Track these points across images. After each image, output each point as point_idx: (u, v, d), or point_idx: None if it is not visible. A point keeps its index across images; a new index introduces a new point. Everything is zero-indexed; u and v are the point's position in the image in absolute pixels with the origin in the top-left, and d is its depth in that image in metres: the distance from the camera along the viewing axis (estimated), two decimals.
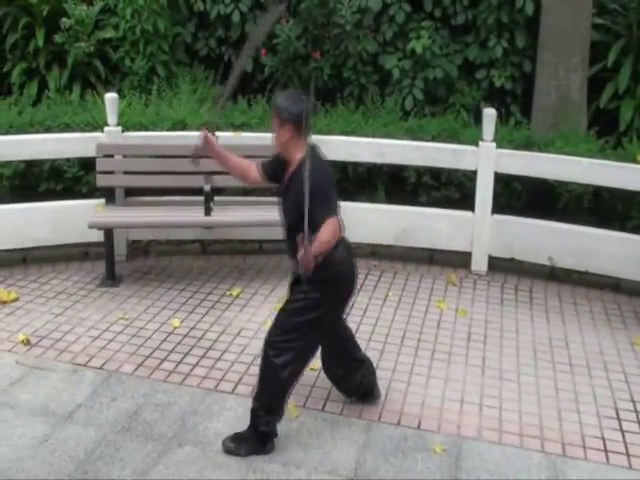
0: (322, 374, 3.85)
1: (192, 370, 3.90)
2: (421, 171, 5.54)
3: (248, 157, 5.09)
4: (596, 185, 5.11)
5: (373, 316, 4.60)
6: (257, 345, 4.16)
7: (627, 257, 4.88)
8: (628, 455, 3.34)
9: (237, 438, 3.31)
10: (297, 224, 2.94)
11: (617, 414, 3.66)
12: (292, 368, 3.22)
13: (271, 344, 3.23)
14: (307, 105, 3.11)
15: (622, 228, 5.07)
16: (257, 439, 3.29)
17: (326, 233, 3.00)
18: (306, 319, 3.16)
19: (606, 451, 3.36)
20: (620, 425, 3.57)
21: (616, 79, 6.19)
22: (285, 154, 3.22)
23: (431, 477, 3.15)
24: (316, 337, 3.29)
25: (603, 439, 3.45)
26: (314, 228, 2.92)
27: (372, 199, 5.61)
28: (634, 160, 5.02)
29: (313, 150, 3.10)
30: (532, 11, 6.17)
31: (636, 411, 3.69)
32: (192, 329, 4.35)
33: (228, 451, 3.28)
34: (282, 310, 3.29)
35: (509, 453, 3.31)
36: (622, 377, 4.01)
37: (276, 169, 3.31)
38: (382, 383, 3.79)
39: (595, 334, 4.47)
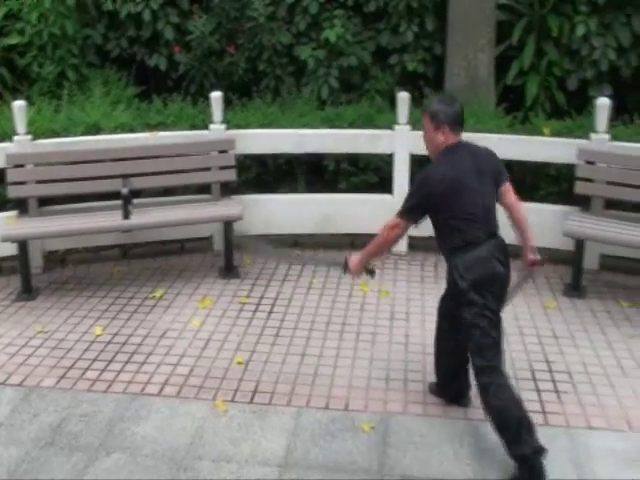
0: (250, 367, 3.89)
1: (117, 376, 3.86)
2: (340, 158, 5.61)
3: (165, 157, 5.16)
4: (506, 159, 5.27)
5: (298, 305, 4.65)
6: (182, 345, 4.18)
7: (537, 225, 4.99)
8: (544, 413, 3.51)
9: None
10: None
11: (533, 375, 3.83)
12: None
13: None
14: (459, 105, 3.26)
15: (532, 198, 5.26)
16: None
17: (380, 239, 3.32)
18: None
19: None
20: (536, 385, 3.73)
21: (521, 57, 6.41)
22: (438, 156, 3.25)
23: (360, 456, 3.22)
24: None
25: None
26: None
27: (293, 190, 5.65)
28: (541, 133, 5.22)
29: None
30: None
31: (550, 371, 3.87)
32: (115, 335, 4.29)
33: None
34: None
35: (434, 423, 3.42)
36: (536, 340, 4.19)
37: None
38: (309, 369, 3.87)
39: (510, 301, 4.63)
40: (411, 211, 3.20)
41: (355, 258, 3.41)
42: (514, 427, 3.01)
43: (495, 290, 3.14)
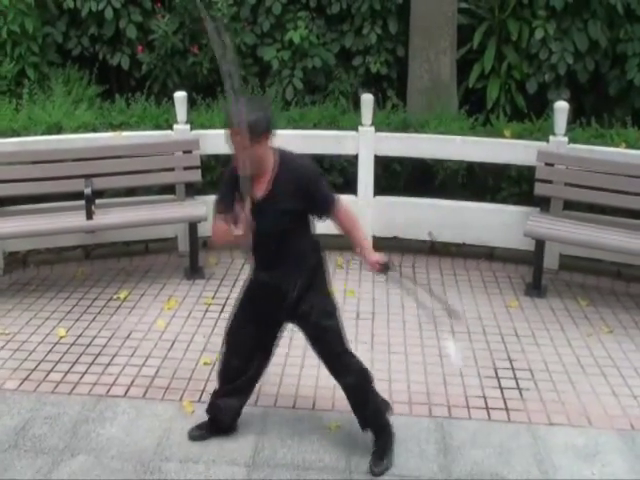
0: (216, 368, 3.86)
1: (81, 378, 3.81)
2: None
3: (129, 157, 5.10)
4: (469, 161, 5.40)
5: None
6: (147, 346, 4.14)
7: (499, 226, 5.21)
8: (507, 410, 3.59)
9: (380, 456, 3.19)
10: (293, 229, 2.96)
11: (496, 373, 3.91)
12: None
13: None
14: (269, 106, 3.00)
15: (493, 200, 5.39)
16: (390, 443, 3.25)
17: (354, 218, 3.07)
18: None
19: (487, 408, 3.59)
20: (499, 383, 3.82)
21: (482, 60, 6.54)
22: (261, 168, 2.90)
23: (327, 455, 3.25)
24: None
25: (484, 398, 3.68)
26: (328, 213, 3.00)
27: None
28: (502, 135, 5.34)
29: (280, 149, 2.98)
30: None
31: (512, 369, 3.96)
32: (79, 337, 4.24)
33: (381, 473, 3.14)
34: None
35: (399, 421, 3.44)
36: (499, 338, 4.29)
37: (232, 198, 2.95)
38: (276, 369, 3.86)
39: (474, 301, 4.75)
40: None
41: (371, 250, 3.11)
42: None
43: None
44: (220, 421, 3.35)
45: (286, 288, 3.03)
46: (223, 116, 5.64)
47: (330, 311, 3.14)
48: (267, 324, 3.19)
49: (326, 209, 3.00)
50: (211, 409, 3.35)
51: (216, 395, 3.35)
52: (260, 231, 2.90)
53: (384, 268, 3.06)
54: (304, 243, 3.06)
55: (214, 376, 3.78)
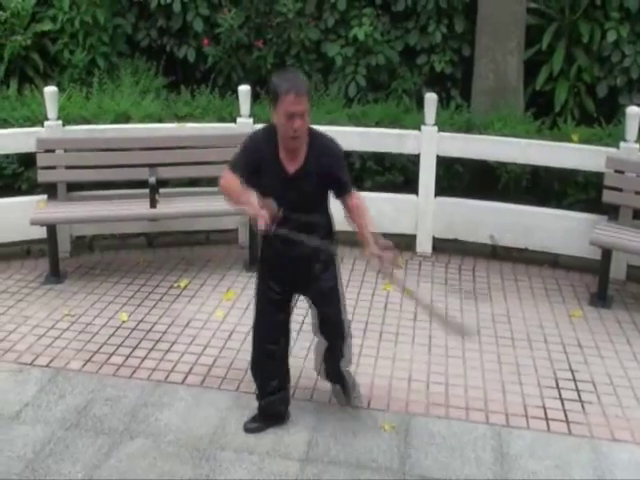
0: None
1: (141, 363, 3.89)
2: (365, 157, 5.61)
3: (192, 148, 5.18)
4: (534, 165, 5.27)
5: None
6: (206, 335, 4.20)
7: (564, 233, 5.07)
8: (567, 422, 3.49)
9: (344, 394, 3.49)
10: (319, 203, 3.10)
11: (557, 384, 3.81)
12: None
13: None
14: None
15: (559, 206, 5.25)
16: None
17: (365, 207, 3.15)
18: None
19: (547, 419, 3.51)
20: (560, 394, 3.72)
21: (550, 62, 6.39)
22: (305, 139, 2.99)
23: (381, 455, 3.22)
24: None
25: (544, 408, 3.59)
26: (345, 194, 3.10)
27: None
28: (569, 139, 5.20)
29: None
30: None
31: (574, 380, 3.85)
32: (140, 322, 4.33)
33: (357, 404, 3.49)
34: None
35: (456, 427, 3.41)
36: (561, 348, 4.17)
37: (255, 168, 3.03)
38: None
39: (535, 309, 4.63)
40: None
41: (373, 242, 3.06)
42: None
43: None
44: (274, 411, 3.39)
45: (314, 259, 3.15)
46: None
47: (338, 280, 3.32)
48: (287, 300, 3.28)
49: (346, 190, 3.13)
50: (264, 403, 3.38)
51: (262, 391, 3.39)
52: (289, 205, 2.96)
53: (383, 262, 3.00)
54: (326, 217, 3.20)
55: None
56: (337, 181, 3.10)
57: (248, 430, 3.38)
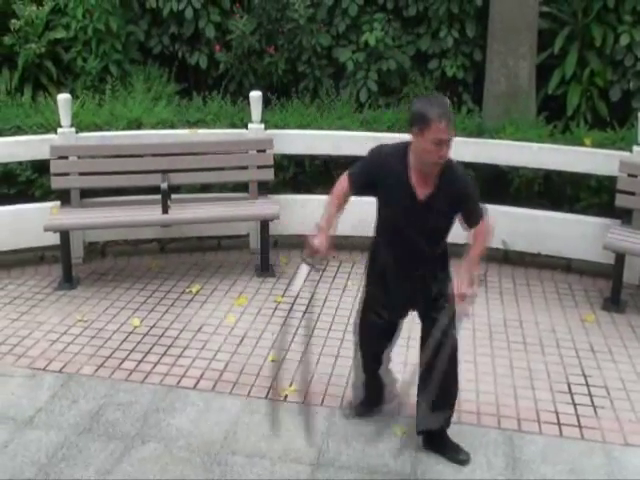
0: (283, 365, 3.91)
1: (153, 368, 3.91)
2: None
3: (204, 154, 5.21)
4: (546, 169, 5.25)
5: (332, 306, 4.68)
6: (217, 341, 4.22)
7: (577, 238, 5.04)
8: (580, 427, 3.47)
9: (456, 451, 3.28)
10: (445, 230, 3.06)
11: (569, 388, 3.79)
12: None
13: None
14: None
15: (571, 210, 5.22)
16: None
17: (488, 236, 3.15)
18: None
19: (559, 424, 3.49)
20: (572, 399, 3.70)
21: (563, 65, 6.35)
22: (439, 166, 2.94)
23: (392, 459, 3.22)
24: None
25: (557, 413, 3.57)
26: (474, 225, 3.07)
27: (328, 191, 5.65)
28: (582, 144, 5.17)
29: None
30: (481, 1, 6.29)
31: (587, 385, 3.83)
32: (152, 327, 4.36)
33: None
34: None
35: (467, 431, 3.40)
36: (573, 353, 4.15)
37: (375, 183, 3.04)
38: (344, 371, 3.87)
39: (547, 313, 4.61)
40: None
41: (469, 278, 3.15)
42: None
43: None
44: (379, 394, 3.55)
45: (429, 281, 3.14)
46: (297, 117, 5.69)
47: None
48: (398, 315, 3.36)
49: (476, 222, 3.08)
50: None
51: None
52: (416, 229, 3.00)
53: (460, 305, 3.09)
54: (444, 243, 3.17)
55: (281, 374, 3.82)
56: (467, 211, 3.04)
57: (358, 414, 3.52)
